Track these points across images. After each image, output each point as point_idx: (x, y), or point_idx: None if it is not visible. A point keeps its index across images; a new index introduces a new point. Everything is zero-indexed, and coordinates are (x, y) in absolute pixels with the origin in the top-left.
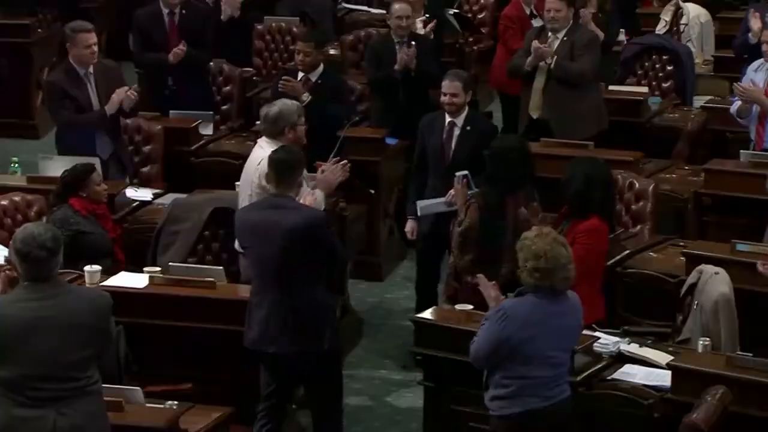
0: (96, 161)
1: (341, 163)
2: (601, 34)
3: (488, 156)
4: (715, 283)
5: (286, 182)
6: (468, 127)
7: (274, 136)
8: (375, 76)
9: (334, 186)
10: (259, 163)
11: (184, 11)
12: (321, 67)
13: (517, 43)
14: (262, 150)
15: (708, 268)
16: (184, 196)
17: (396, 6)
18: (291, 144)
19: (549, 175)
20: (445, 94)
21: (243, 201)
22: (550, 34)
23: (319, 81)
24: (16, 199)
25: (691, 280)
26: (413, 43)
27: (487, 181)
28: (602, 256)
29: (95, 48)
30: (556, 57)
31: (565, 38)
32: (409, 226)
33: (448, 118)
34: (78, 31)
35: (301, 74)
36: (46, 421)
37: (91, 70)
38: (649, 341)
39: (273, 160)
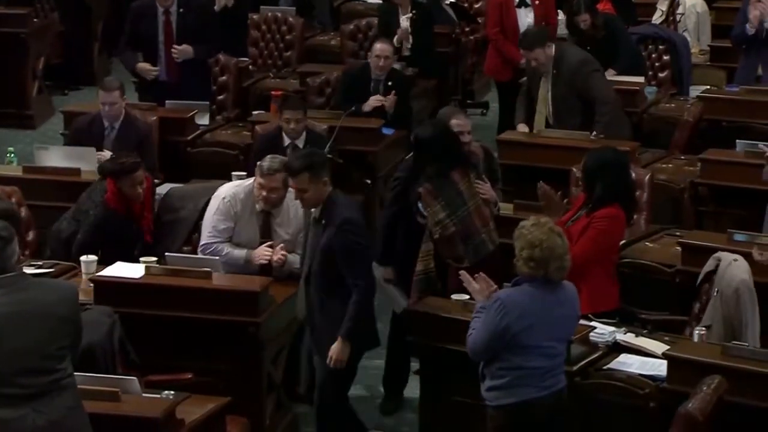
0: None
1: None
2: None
3: (413, 147)
4: (734, 269)
5: None
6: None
7: None
8: (342, 106)
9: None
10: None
11: (181, 10)
12: (304, 132)
13: (497, 34)
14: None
15: (726, 255)
16: (179, 185)
17: (377, 45)
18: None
19: (548, 166)
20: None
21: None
22: (542, 78)
23: (308, 147)
24: None
25: (707, 267)
26: (390, 83)
27: (418, 171)
28: (617, 244)
29: (107, 109)
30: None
31: (554, 71)
32: (385, 272)
33: None
34: (101, 88)
35: (287, 140)
36: (24, 422)
37: (116, 125)
38: (645, 331)
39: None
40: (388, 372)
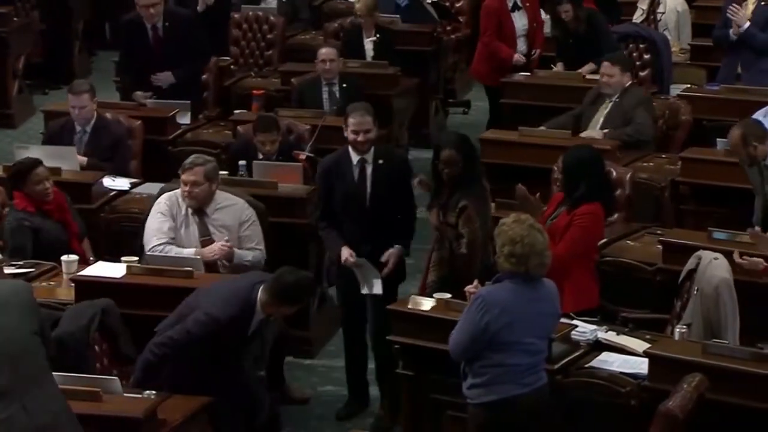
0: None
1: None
2: None
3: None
4: (714, 268)
5: None
6: (380, 161)
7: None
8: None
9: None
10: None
11: (167, 24)
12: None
13: (490, 37)
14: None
15: (707, 254)
16: (161, 185)
17: (322, 50)
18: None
19: (530, 164)
20: (357, 132)
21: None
22: (603, 104)
23: (281, 157)
24: None
25: (689, 266)
26: (345, 85)
27: (460, 186)
28: (596, 242)
29: (77, 112)
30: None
31: (617, 99)
32: (346, 252)
33: (356, 157)
34: (69, 91)
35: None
36: (12, 423)
37: (88, 128)
38: (626, 329)
39: None
40: (347, 374)
